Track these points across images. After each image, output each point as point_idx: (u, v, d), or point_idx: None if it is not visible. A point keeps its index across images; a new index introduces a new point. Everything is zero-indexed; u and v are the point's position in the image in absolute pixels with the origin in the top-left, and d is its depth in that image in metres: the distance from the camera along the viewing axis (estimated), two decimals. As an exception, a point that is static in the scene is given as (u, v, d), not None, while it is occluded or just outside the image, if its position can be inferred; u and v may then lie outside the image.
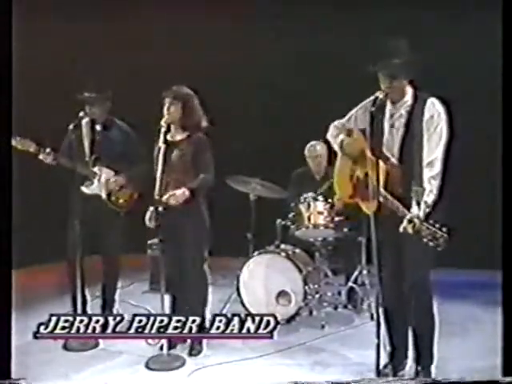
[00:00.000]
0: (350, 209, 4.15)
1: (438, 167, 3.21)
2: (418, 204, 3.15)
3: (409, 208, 3.16)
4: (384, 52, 3.29)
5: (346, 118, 3.60)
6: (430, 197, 3.17)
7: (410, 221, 3.05)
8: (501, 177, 3.13)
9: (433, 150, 3.22)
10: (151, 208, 3.98)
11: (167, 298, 4.00)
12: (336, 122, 3.65)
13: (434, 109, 3.27)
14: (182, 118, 3.97)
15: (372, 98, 3.32)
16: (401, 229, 3.09)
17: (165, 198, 3.84)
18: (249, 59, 6.74)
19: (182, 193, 3.86)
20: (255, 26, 6.62)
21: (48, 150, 4.20)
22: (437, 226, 2.97)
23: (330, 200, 4.73)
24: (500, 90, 3.18)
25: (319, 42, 6.46)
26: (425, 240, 2.99)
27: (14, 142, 3.95)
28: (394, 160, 3.32)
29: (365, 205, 3.33)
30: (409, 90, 3.36)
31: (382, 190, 3.20)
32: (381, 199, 3.19)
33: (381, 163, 3.24)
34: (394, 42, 3.31)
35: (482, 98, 5.16)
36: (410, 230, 3.06)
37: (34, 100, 5.46)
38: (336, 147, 3.60)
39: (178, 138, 4.03)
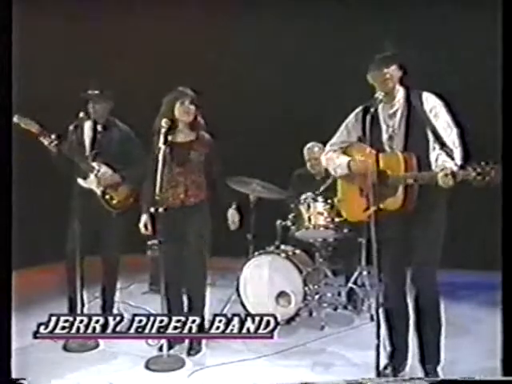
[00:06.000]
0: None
1: (456, 142, 3.24)
2: (452, 159, 3.15)
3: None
4: (378, 48, 3.35)
5: (338, 134, 3.61)
6: (457, 158, 3.19)
7: (449, 174, 2.99)
8: (501, 177, 3.13)
9: (446, 132, 3.26)
10: (144, 215, 4.05)
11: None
12: (331, 147, 3.63)
13: (432, 100, 3.34)
14: (194, 119, 4.02)
15: (361, 106, 3.44)
16: (441, 183, 3.02)
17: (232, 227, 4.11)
18: (249, 60, 6.75)
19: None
20: (256, 27, 6.64)
21: (53, 136, 4.19)
22: (482, 163, 2.90)
23: (329, 201, 4.72)
24: (500, 91, 3.18)
25: (319, 43, 6.48)
26: (476, 181, 2.89)
27: (16, 119, 3.93)
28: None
29: (389, 203, 3.27)
30: (400, 89, 3.40)
31: (405, 173, 3.24)
32: (410, 181, 3.22)
33: (398, 152, 3.30)
34: (386, 40, 3.37)
35: (482, 98, 5.16)
36: (450, 183, 2.99)
37: (34, 100, 5.46)
38: (338, 172, 3.57)
39: (187, 139, 4.04)
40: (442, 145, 3.20)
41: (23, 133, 4.04)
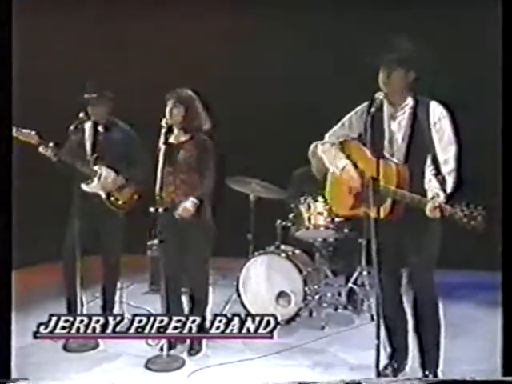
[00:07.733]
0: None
1: (452, 164, 3.23)
2: (443, 191, 3.15)
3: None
4: (384, 47, 3.33)
5: (339, 125, 3.58)
6: (448, 188, 3.20)
7: (438, 207, 3.03)
8: (501, 177, 3.13)
9: (445, 150, 3.25)
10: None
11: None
12: (330, 139, 3.61)
13: (439, 112, 3.30)
14: (184, 120, 3.99)
15: (367, 102, 3.39)
16: (428, 213, 3.07)
17: (177, 213, 3.91)
18: (249, 59, 6.74)
19: (191, 204, 3.91)
20: (256, 26, 6.63)
21: (51, 144, 4.21)
22: (471, 206, 2.94)
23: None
24: (500, 91, 3.18)
25: (320, 41, 6.47)
26: (462, 222, 2.94)
27: (14, 133, 3.92)
28: (395, 160, 3.33)
29: (373, 211, 3.22)
30: (408, 94, 3.38)
31: (395, 188, 3.22)
32: (397, 198, 3.22)
33: (392, 164, 3.28)
34: (394, 37, 3.34)
35: (482, 98, 5.16)
36: (437, 215, 3.04)
37: (35, 100, 5.46)
38: (332, 168, 3.58)
39: (182, 139, 4.04)
40: (437, 170, 3.21)
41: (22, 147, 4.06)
